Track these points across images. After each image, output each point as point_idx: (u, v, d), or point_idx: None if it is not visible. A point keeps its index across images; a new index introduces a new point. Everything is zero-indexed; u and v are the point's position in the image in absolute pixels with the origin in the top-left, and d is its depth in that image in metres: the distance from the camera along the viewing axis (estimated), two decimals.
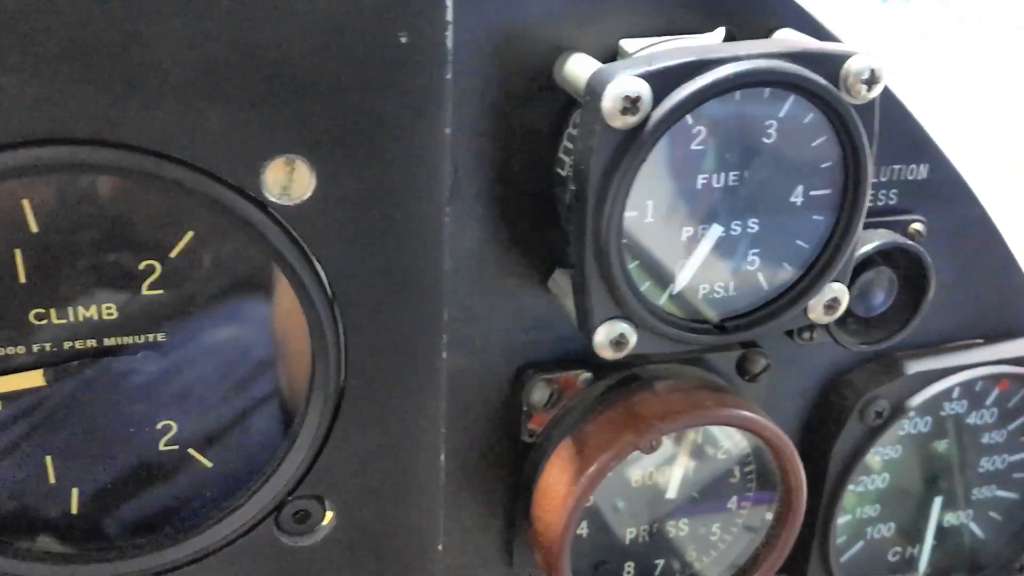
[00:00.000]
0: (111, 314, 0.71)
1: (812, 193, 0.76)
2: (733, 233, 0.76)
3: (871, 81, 0.72)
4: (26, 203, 0.66)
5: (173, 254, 0.70)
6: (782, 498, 0.92)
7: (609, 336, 0.76)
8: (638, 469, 0.91)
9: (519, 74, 0.76)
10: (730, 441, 0.92)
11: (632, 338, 0.76)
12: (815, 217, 0.77)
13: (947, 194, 0.94)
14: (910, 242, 0.91)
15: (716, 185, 0.74)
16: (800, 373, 0.98)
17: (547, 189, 0.81)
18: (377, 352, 0.75)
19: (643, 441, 0.81)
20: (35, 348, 0.70)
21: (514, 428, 0.89)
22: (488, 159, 0.79)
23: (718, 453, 0.92)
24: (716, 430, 0.91)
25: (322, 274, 0.71)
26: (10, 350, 0.70)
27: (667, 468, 0.92)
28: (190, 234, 0.70)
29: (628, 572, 0.95)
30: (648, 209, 0.73)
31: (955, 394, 1.01)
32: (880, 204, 0.92)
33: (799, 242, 0.78)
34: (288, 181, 0.68)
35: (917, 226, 0.93)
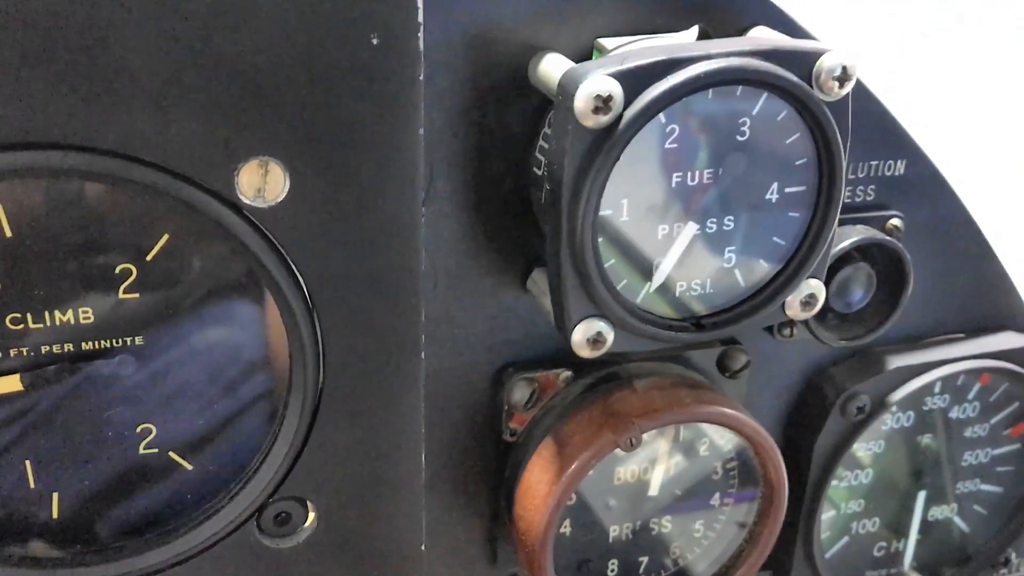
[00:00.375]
0: (88, 318, 0.71)
1: (787, 190, 0.77)
2: (709, 230, 0.76)
3: (843, 78, 0.72)
4: (0, 208, 0.67)
5: (149, 257, 0.70)
6: (764, 495, 0.93)
7: (586, 335, 0.76)
8: (620, 467, 0.91)
9: (493, 74, 0.77)
10: (712, 438, 0.92)
11: (609, 337, 0.77)
12: (791, 214, 0.78)
13: (925, 189, 0.94)
14: (888, 238, 0.91)
15: (691, 183, 0.74)
16: (781, 370, 0.98)
17: (523, 189, 0.81)
18: (355, 353, 0.75)
19: (623, 439, 0.81)
20: (12, 353, 0.70)
21: (495, 427, 0.89)
22: (463, 160, 0.79)
23: (700, 450, 0.93)
24: (698, 428, 0.91)
25: (298, 275, 0.71)
26: None
27: (649, 466, 0.92)
28: (165, 237, 0.70)
29: (612, 570, 0.95)
30: (623, 207, 0.73)
31: (937, 388, 1.02)
32: (858, 200, 0.93)
33: (775, 239, 0.78)
34: (262, 183, 0.68)
35: (895, 221, 0.93)
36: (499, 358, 0.87)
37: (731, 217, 0.76)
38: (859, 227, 0.91)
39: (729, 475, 0.94)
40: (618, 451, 0.84)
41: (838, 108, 0.74)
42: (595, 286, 0.73)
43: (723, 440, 0.92)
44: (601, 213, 0.72)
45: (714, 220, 0.76)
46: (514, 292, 0.85)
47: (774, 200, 0.77)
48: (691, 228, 0.75)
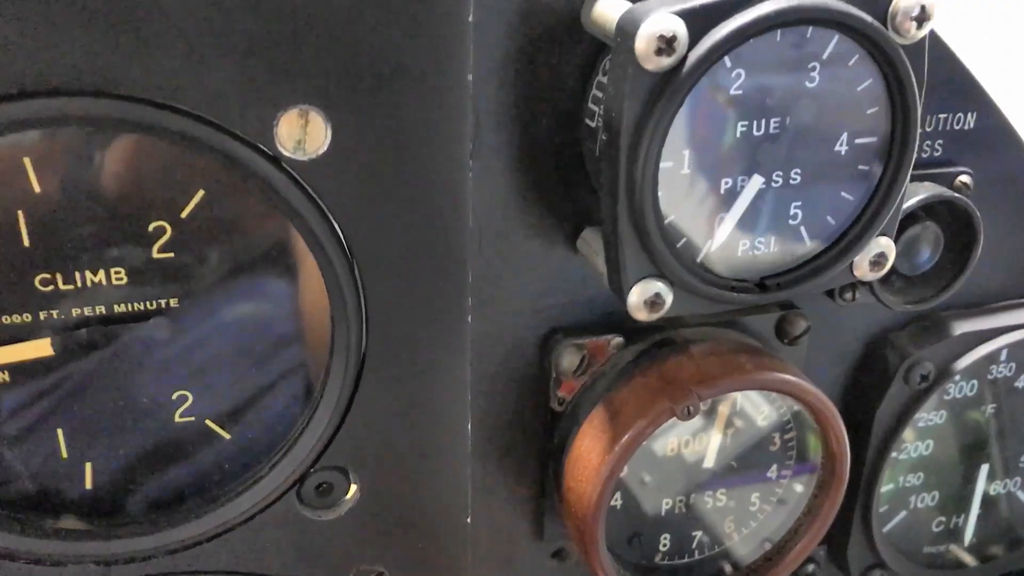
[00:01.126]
0: (120, 279, 0.67)
1: (857, 141, 0.72)
2: (775, 184, 0.71)
3: (921, 18, 0.67)
4: (27, 161, 0.63)
5: (184, 214, 0.67)
6: (824, 466, 0.88)
7: (643, 296, 0.72)
8: (673, 437, 0.87)
9: (544, 18, 0.72)
10: (769, 407, 0.88)
11: (668, 298, 0.72)
12: (860, 167, 0.73)
13: (995, 144, 0.89)
14: (957, 195, 0.86)
15: (757, 133, 0.69)
16: (841, 336, 0.94)
17: (575, 142, 0.77)
18: (399, 315, 0.71)
19: (680, 407, 0.77)
20: (42, 316, 0.67)
21: (543, 395, 0.85)
22: (511, 112, 0.75)
23: (757, 420, 0.88)
24: (755, 395, 0.87)
25: (340, 232, 0.68)
26: (15, 318, 0.67)
27: (704, 436, 0.88)
28: (201, 193, 0.66)
29: (664, 545, 0.91)
30: (684, 159, 0.69)
31: (1003, 356, 0.97)
32: (924, 156, 0.88)
33: (844, 194, 0.74)
34: (302, 134, 0.64)
35: (964, 178, 0.88)
36: (547, 323, 0.83)
37: (798, 170, 0.71)
38: (926, 184, 0.86)
39: (787, 446, 0.90)
40: (674, 420, 0.80)
41: (914, 52, 0.69)
42: (654, 244, 0.69)
43: (781, 409, 0.88)
44: (661, 165, 0.67)
45: (780, 173, 0.71)
46: (563, 253, 0.81)
47: (843, 152, 0.72)
48: (756, 181, 0.70)
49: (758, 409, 0.88)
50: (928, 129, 0.86)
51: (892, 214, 0.75)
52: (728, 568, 0.93)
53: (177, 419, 0.73)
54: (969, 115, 0.87)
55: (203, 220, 0.67)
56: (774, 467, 0.90)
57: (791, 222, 0.73)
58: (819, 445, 0.88)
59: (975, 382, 0.98)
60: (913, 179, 0.85)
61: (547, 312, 0.83)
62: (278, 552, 0.77)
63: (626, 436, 0.78)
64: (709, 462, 0.89)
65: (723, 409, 0.87)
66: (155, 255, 0.68)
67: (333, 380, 0.71)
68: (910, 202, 0.84)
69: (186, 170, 0.66)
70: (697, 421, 0.87)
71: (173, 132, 0.62)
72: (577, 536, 0.83)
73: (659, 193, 0.68)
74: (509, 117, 0.75)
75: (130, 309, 0.69)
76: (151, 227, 0.67)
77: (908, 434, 0.98)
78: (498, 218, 0.78)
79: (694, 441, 0.88)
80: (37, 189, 0.64)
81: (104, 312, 0.69)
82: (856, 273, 0.77)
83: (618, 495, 0.87)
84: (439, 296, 0.72)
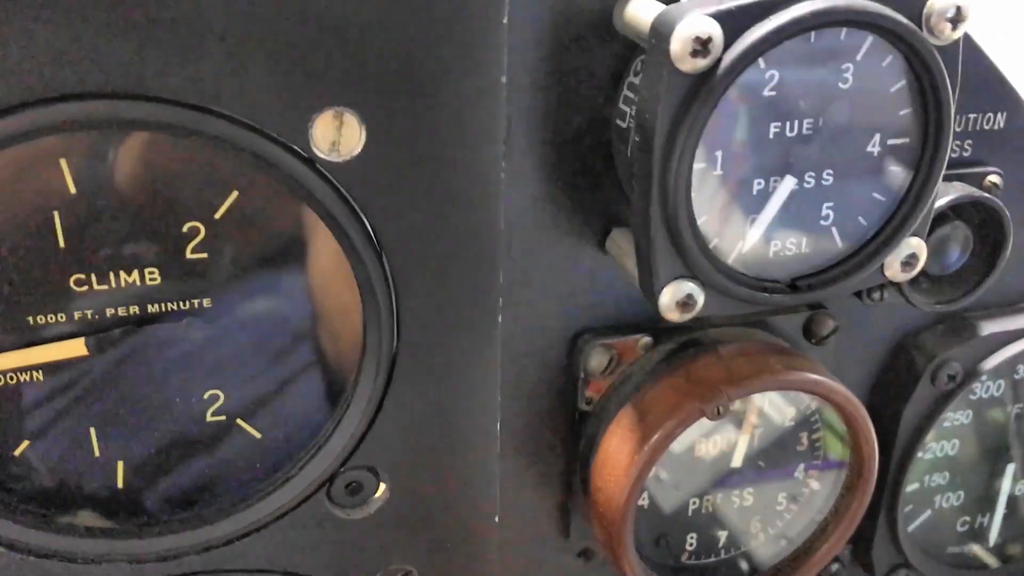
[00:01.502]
0: (154, 279, 0.68)
1: (890, 142, 0.72)
2: (807, 186, 0.71)
3: (956, 20, 0.67)
4: (64, 163, 0.63)
5: (218, 215, 0.67)
6: (852, 467, 0.88)
7: (675, 298, 0.72)
8: (702, 437, 0.87)
9: (576, 20, 0.72)
10: (795, 408, 0.88)
11: (700, 299, 0.72)
12: (892, 168, 0.73)
13: None
14: (987, 195, 0.86)
15: (789, 134, 0.69)
16: (868, 336, 0.93)
17: (605, 144, 0.77)
18: (431, 315, 0.71)
19: (710, 408, 0.77)
20: (76, 316, 0.68)
21: (571, 396, 0.85)
22: (542, 113, 0.75)
23: (784, 419, 0.88)
24: (781, 395, 0.87)
25: (372, 233, 0.68)
26: (51, 318, 0.67)
27: (731, 435, 0.88)
28: (235, 194, 0.67)
29: (691, 545, 0.91)
30: (717, 160, 0.68)
31: None
32: (954, 155, 0.87)
33: (875, 195, 0.73)
34: (337, 136, 0.65)
35: (993, 178, 0.88)
36: (575, 323, 0.83)
37: (830, 171, 0.71)
38: (956, 184, 0.86)
39: (815, 446, 0.89)
40: (703, 421, 0.80)
41: (948, 54, 0.68)
42: (687, 245, 0.69)
43: (808, 409, 0.88)
44: (694, 166, 0.67)
45: (812, 174, 0.71)
46: (592, 254, 0.81)
47: (876, 153, 0.72)
48: (789, 183, 0.70)
49: (784, 409, 0.88)
50: (958, 129, 0.86)
51: (924, 216, 0.75)
52: (754, 569, 0.93)
53: (209, 418, 0.73)
54: (999, 115, 0.86)
55: (236, 221, 0.68)
56: (801, 466, 0.90)
57: (823, 223, 0.73)
58: (843, 445, 0.88)
59: (1001, 382, 0.98)
60: (943, 179, 0.85)
61: (576, 312, 0.83)
62: (308, 551, 0.77)
63: (655, 436, 0.79)
64: (736, 461, 0.88)
65: (751, 409, 0.87)
66: (189, 255, 0.68)
67: (364, 379, 0.72)
68: (940, 202, 0.84)
69: (221, 172, 0.66)
70: (725, 421, 0.86)
71: (209, 135, 0.62)
72: (605, 537, 0.83)
73: (691, 194, 0.68)
74: (541, 118, 0.75)
75: (163, 309, 0.69)
76: (185, 227, 0.67)
77: (933, 434, 0.98)
78: (529, 219, 0.78)
79: (721, 440, 0.88)
80: (73, 190, 0.64)
81: (138, 312, 0.69)
82: (887, 274, 0.76)
83: (645, 495, 0.87)
84: (470, 297, 0.72)
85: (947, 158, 0.73)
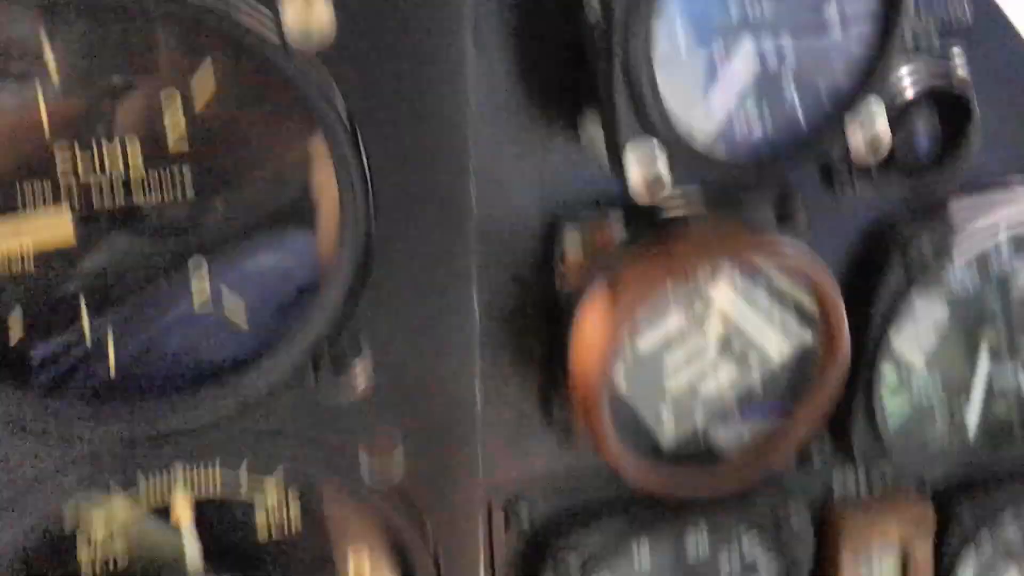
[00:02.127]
0: (136, 159, 0.69)
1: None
2: (765, 50, 0.72)
3: None
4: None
5: (199, 108, 0.69)
6: (824, 340, 0.90)
7: (643, 171, 0.73)
8: (679, 318, 0.89)
9: None
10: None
11: (668, 178, 0.74)
12: (851, 29, 0.74)
13: (991, 34, 0.89)
14: (954, 83, 0.87)
15: None
16: (842, 230, 0.95)
17: (575, 26, 0.78)
18: (406, 195, 0.73)
19: (679, 278, 0.79)
20: (62, 183, 0.69)
21: (548, 280, 0.88)
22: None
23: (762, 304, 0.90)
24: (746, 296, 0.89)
25: (342, 113, 0.70)
26: (36, 184, 0.69)
27: (708, 318, 0.90)
28: (209, 61, 0.68)
29: (668, 425, 0.93)
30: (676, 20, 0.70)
31: (1001, 235, 0.98)
32: (921, 46, 0.88)
33: (834, 56, 0.75)
34: (307, 16, 0.66)
35: (960, 70, 0.89)
36: (550, 208, 0.85)
37: (787, 32, 0.72)
38: (923, 73, 0.87)
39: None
40: (672, 315, 0.82)
41: None
42: (648, 106, 0.71)
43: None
44: (653, 26, 0.69)
45: (770, 37, 0.72)
46: (565, 139, 0.83)
47: (833, 13, 0.73)
48: (747, 45, 0.71)
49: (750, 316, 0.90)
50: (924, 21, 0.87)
51: (881, 70, 0.76)
52: (732, 443, 0.95)
53: (197, 304, 0.76)
54: (965, 5, 0.87)
55: (217, 121, 0.69)
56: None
57: (785, 94, 0.75)
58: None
59: (975, 264, 0.99)
60: (912, 72, 0.87)
61: (550, 198, 0.85)
62: (296, 431, 0.80)
63: (629, 310, 0.81)
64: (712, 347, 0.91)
65: (727, 289, 0.89)
66: (172, 149, 0.70)
67: (343, 257, 0.74)
68: (909, 92, 0.85)
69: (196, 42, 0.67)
70: (700, 303, 0.88)
71: (176, 16, 0.64)
72: (583, 412, 0.86)
73: (652, 54, 0.69)
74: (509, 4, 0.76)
75: (148, 200, 0.71)
76: (164, 94, 0.68)
77: (910, 326, 0.99)
78: (500, 108, 0.80)
79: (699, 322, 0.90)
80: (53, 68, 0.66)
81: (124, 204, 0.71)
82: (854, 157, 0.78)
83: (623, 378, 0.90)
84: (443, 174, 0.74)
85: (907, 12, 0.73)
